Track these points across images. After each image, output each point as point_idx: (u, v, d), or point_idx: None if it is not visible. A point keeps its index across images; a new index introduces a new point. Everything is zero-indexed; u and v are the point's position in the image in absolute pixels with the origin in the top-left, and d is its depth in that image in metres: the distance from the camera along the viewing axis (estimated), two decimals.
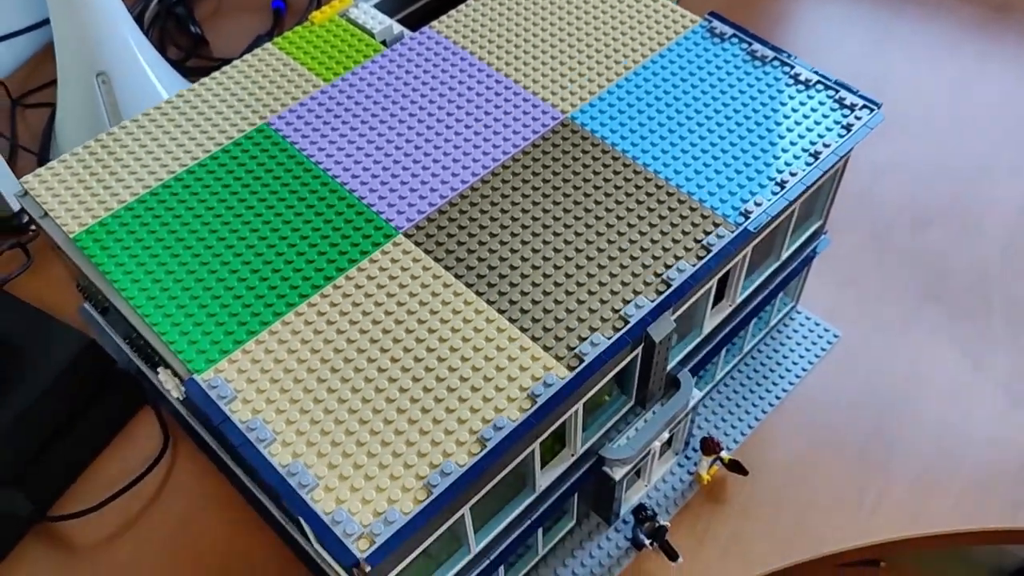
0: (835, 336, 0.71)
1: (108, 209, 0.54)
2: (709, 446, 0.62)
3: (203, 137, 0.57)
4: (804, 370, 0.70)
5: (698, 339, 0.59)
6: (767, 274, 0.62)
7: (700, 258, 0.50)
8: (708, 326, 0.59)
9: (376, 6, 0.67)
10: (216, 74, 0.61)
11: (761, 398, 0.68)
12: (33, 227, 0.78)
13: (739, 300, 0.61)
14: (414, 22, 0.70)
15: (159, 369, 0.52)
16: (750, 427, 0.67)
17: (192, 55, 0.92)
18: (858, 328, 0.72)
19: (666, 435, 0.59)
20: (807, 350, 0.71)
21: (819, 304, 0.73)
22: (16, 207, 0.78)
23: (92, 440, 0.67)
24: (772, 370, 0.70)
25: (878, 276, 0.75)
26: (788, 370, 0.70)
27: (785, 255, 0.62)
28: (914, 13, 0.95)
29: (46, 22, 0.93)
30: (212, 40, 0.95)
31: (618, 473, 0.57)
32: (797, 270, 0.65)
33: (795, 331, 0.72)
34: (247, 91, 0.60)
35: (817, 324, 0.72)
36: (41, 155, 0.82)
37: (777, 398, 0.68)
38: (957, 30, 0.93)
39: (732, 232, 0.51)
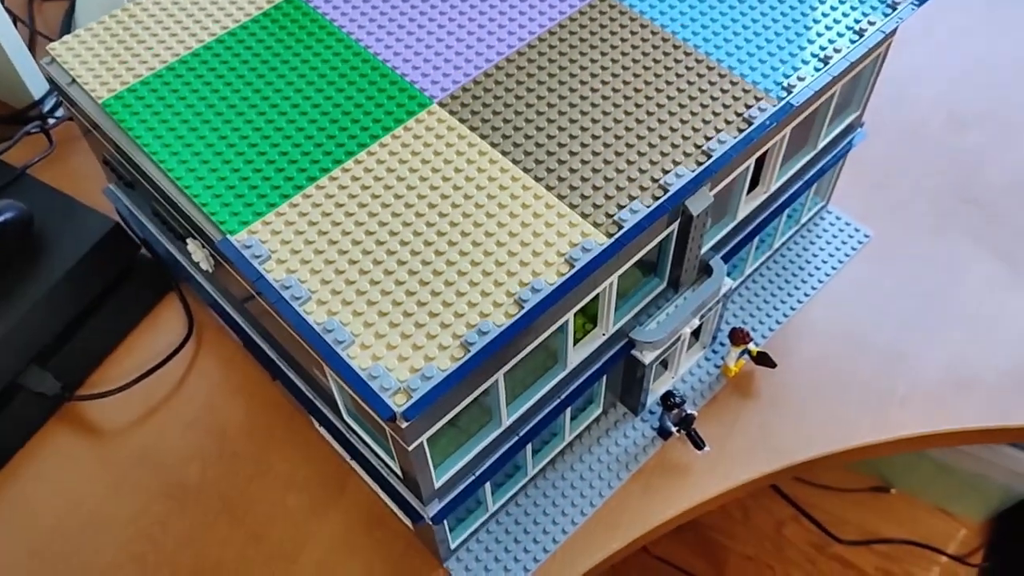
0: (866, 236, 0.70)
1: (137, 76, 0.53)
2: (738, 336, 0.62)
3: (233, 7, 0.56)
4: (834, 268, 0.69)
5: (732, 225, 0.58)
6: (803, 163, 0.61)
7: (741, 131, 0.49)
8: (742, 212, 0.58)
9: None
10: None
11: (790, 295, 0.67)
12: (55, 116, 0.77)
13: (774, 188, 0.60)
14: None
15: (188, 241, 0.52)
16: (778, 322, 0.66)
17: None
18: (890, 228, 0.71)
19: (696, 322, 0.58)
20: (837, 249, 0.70)
21: (851, 204, 0.72)
22: (37, 95, 0.77)
23: (118, 324, 0.67)
24: (802, 267, 0.69)
25: (912, 177, 0.74)
26: (818, 268, 0.69)
27: (822, 144, 0.61)
28: None
29: None
30: None
31: (647, 357, 0.56)
32: (832, 162, 0.64)
33: (825, 230, 0.71)
34: None
35: (848, 224, 0.71)
36: None
37: (806, 295, 0.67)
38: None
39: (774, 106, 0.50)
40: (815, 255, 0.69)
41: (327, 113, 0.50)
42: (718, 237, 0.58)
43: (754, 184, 0.59)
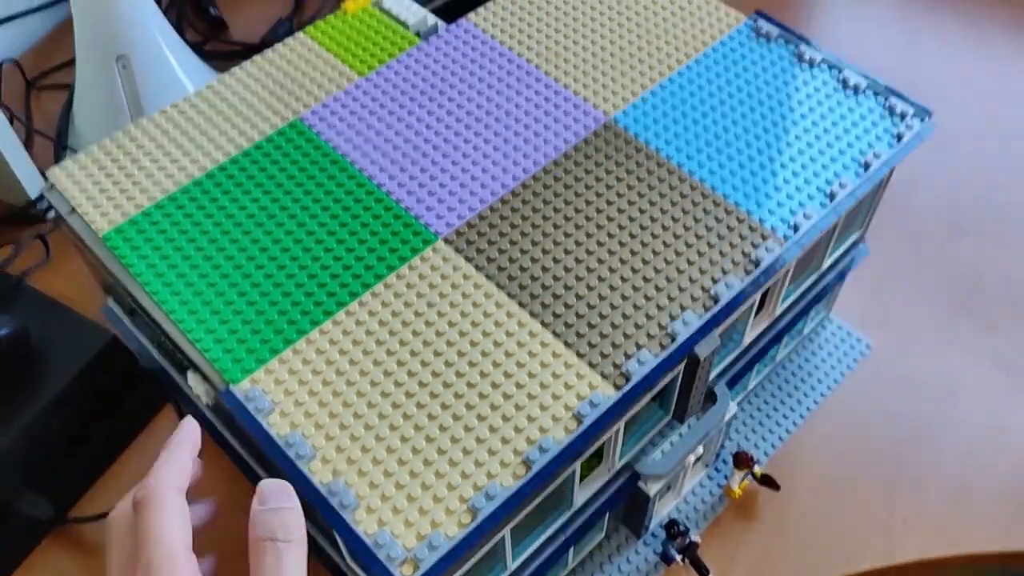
0: (867, 347, 0.70)
1: (138, 207, 0.52)
2: (742, 460, 0.61)
3: (235, 132, 0.56)
4: (836, 381, 0.68)
5: (737, 351, 0.58)
6: (807, 285, 0.60)
7: (748, 272, 0.49)
8: (748, 338, 0.58)
9: None
10: (247, 64, 0.59)
11: (792, 409, 0.67)
12: (50, 216, 0.77)
13: (779, 312, 0.59)
14: (447, 9, 0.68)
15: (188, 373, 0.51)
16: (781, 439, 0.66)
17: (211, 38, 0.90)
18: (890, 338, 0.71)
19: (700, 449, 0.57)
20: (839, 360, 0.69)
21: (851, 312, 0.72)
22: (33, 195, 0.76)
23: (113, 440, 0.66)
24: (804, 380, 0.68)
25: (911, 285, 0.74)
26: (820, 380, 0.68)
27: (826, 265, 0.61)
28: (946, 12, 0.93)
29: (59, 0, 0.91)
30: (231, 22, 0.93)
31: (653, 488, 0.56)
32: (835, 280, 0.64)
33: (827, 340, 0.71)
34: (279, 83, 0.58)
35: (849, 334, 0.71)
36: (57, 140, 0.80)
37: (808, 409, 0.67)
38: (990, 30, 0.91)
39: (781, 246, 0.50)
40: (817, 367, 0.69)
41: (331, 250, 0.50)
42: (723, 364, 0.57)
43: (759, 308, 0.58)
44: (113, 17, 0.73)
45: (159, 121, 0.56)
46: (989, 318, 0.72)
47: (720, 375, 0.58)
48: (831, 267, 0.62)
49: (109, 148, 0.55)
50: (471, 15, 0.62)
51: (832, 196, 0.52)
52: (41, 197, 0.77)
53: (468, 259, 0.49)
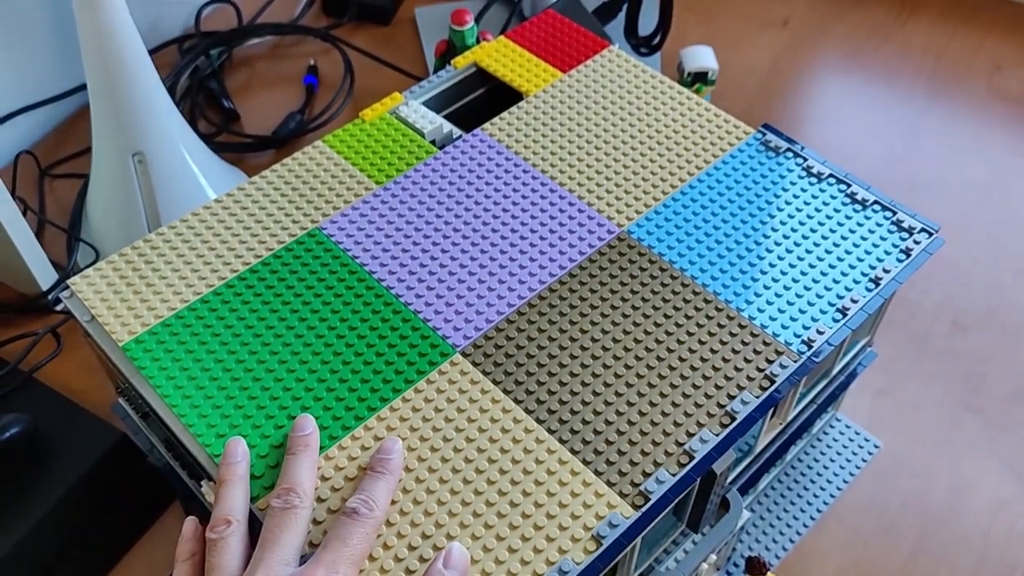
0: (875, 446, 0.70)
1: (158, 317, 0.53)
2: (754, 566, 0.61)
3: (254, 240, 0.56)
4: (845, 482, 0.69)
5: (750, 458, 0.58)
6: (817, 390, 0.61)
7: (764, 388, 0.49)
8: (760, 444, 0.58)
9: (425, 103, 0.67)
10: (267, 172, 0.61)
11: (803, 511, 0.67)
12: (61, 308, 0.77)
13: (791, 417, 0.60)
14: (463, 116, 0.69)
15: (203, 483, 0.51)
16: (792, 541, 0.66)
17: (224, 130, 0.92)
18: (898, 438, 0.71)
19: (714, 557, 0.57)
20: (848, 460, 0.70)
21: (858, 412, 0.72)
22: (44, 286, 0.77)
23: (121, 536, 0.65)
24: (813, 481, 0.68)
25: (917, 383, 0.74)
26: (829, 481, 0.68)
27: (835, 371, 0.61)
28: (944, 108, 0.95)
29: (81, 88, 0.93)
30: (244, 115, 0.95)
31: None
32: (844, 384, 0.64)
33: (835, 440, 0.71)
34: (298, 192, 0.59)
35: (857, 433, 0.71)
36: (70, 231, 0.81)
37: (818, 511, 0.67)
38: (988, 126, 0.93)
39: (795, 362, 0.50)
40: (826, 467, 0.69)
41: (349, 362, 0.50)
42: (736, 472, 0.58)
43: (771, 414, 0.59)
44: (130, 115, 0.74)
45: (180, 229, 0.57)
46: (997, 417, 0.72)
47: (733, 481, 0.58)
48: (840, 371, 0.63)
49: (130, 256, 0.56)
50: (487, 125, 0.63)
51: (844, 312, 0.53)
52: (52, 288, 0.77)
53: (486, 373, 0.50)
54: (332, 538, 0.42)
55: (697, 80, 0.92)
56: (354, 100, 0.96)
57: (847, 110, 0.95)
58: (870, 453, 0.70)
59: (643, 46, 0.94)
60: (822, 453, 0.70)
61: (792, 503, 0.67)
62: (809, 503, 0.67)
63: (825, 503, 0.67)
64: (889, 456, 0.70)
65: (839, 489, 0.68)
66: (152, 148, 0.76)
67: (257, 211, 0.58)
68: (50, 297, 0.77)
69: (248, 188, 0.60)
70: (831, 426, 0.72)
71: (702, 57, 0.93)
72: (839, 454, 0.70)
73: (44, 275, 0.77)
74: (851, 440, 0.71)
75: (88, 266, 0.79)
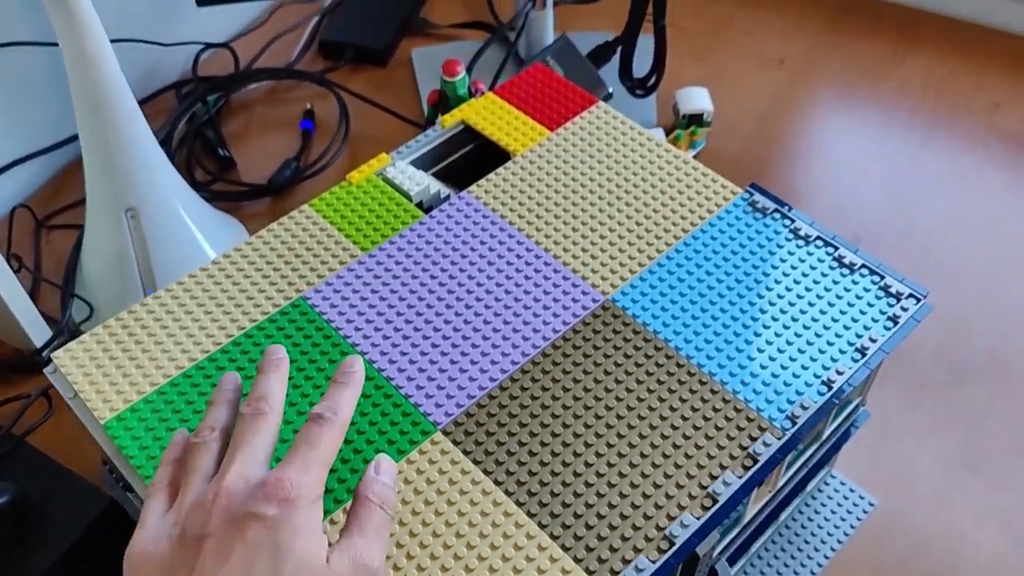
0: (871, 504, 0.70)
1: (140, 393, 0.53)
2: None
3: (238, 311, 0.56)
4: (840, 541, 0.68)
5: (737, 528, 0.57)
6: (807, 455, 0.60)
7: (746, 468, 0.49)
8: (748, 514, 0.58)
9: (413, 162, 0.67)
10: (253, 239, 0.61)
11: (796, 573, 0.66)
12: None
13: (780, 484, 0.59)
14: (452, 172, 0.69)
15: None
16: None
17: (219, 178, 0.92)
18: (894, 495, 0.70)
19: None
20: (842, 519, 0.69)
21: (854, 468, 0.71)
22: (38, 343, 0.77)
23: None
24: (807, 541, 0.68)
25: (913, 438, 0.74)
26: (823, 541, 0.68)
27: (826, 435, 0.61)
28: (942, 148, 0.94)
29: (74, 138, 0.94)
30: (240, 161, 0.95)
31: None
32: (836, 446, 0.64)
33: (830, 497, 0.70)
34: (283, 259, 0.59)
35: (852, 491, 0.70)
36: (65, 287, 0.81)
37: (813, 573, 0.66)
38: (987, 166, 0.92)
39: (779, 439, 0.50)
40: (820, 526, 0.68)
41: None
42: (724, 543, 0.57)
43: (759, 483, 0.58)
44: (123, 171, 0.75)
45: (164, 299, 0.57)
46: (996, 473, 0.71)
47: (721, 552, 0.57)
48: (832, 432, 0.62)
49: (113, 329, 0.56)
50: (473, 187, 0.63)
51: (829, 384, 0.52)
52: (46, 346, 0.77)
53: (466, 452, 0.49)
54: (301, 442, 0.44)
55: (692, 122, 0.92)
56: (350, 145, 0.96)
57: (844, 150, 0.95)
58: (865, 511, 0.69)
59: (638, 88, 0.94)
60: (816, 512, 0.69)
61: (786, 565, 0.67)
62: (803, 564, 0.67)
63: (820, 564, 0.67)
64: (885, 514, 0.69)
65: (833, 549, 0.67)
66: (145, 203, 0.77)
67: (242, 280, 0.58)
68: (43, 355, 0.77)
69: (234, 255, 0.60)
70: (825, 483, 0.71)
71: (697, 99, 0.93)
72: (834, 512, 0.69)
73: (37, 332, 0.77)
74: (846, 498, 0.70)
75: (83, 322, 0.79)
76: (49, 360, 0.72)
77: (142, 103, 0.98)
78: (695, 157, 0.92)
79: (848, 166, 0.93)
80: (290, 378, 0.53)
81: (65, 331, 0.78)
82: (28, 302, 0.76)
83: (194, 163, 0.94)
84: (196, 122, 0.97)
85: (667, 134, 0.92)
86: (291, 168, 0.93)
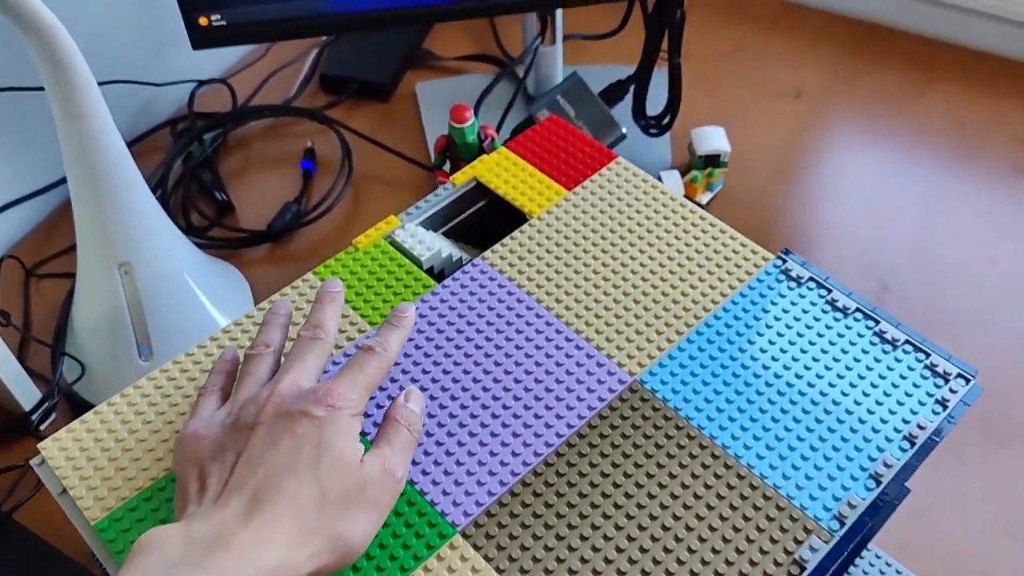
0: None
1: (136, 488, 0.49)
2: None
3: None
4: None
5: None
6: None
7: (793, 575, 0.45)
8: None
9: (423, 222, 0.63)
10: (254, 311, 0.57)
11: None
12: (43, 428, 0.74)
13: None
14: (464, 230, 0.66)
15: None
16: None
17: (217, 223, 0.88)
18: (933, 568, 0.66)
19: None
20: None
21: (889, 539, 0.68)
22: (27, 406, 0.73)
23: None
24: None
25: (953, 507, 0.70)
26: None
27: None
28: (966, 186, 0.91)
29: (62, 181, 0.90)
30: (238, 203, 0.91)
31: None
32: (877, 524, 0.60)
33: (864, 572, 0.66)
34: (290, 336, 0.55)
35: (888, 565, 0.67)
36: (55, 346, 0.78)
37: None
38: (1015, 203, 0.89)
39: (827, 543, 0.46)
40: None
41: None
42: None
43: None
44: (116, 225, 0.71)
45: (159, 380, 0.54)
46: None
47: None
48: None
49: (106, 416, 0.52)
50: (488, 253, 0.59)
51: (878, 479, 0.48)
52: (36, 408, 0.74)
53: (488, 559, 0.46)
54: (351, 364, 0.48)
55: (709, 163, 0.89)
56: (353, 186, 0.92)
57: (867, 190, 0.91)
58: None
59: (653, 127, 0.90)
60: None
61: None
62: None
63: None
64: None
65: None
66: (139, 258, 0.73)
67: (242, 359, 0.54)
68: (33, 417, 0.73)
69: (234, 330, 0.56)
70: (861, 556, 0.67)
71: (713, 139, 0.89)
72: None
73: (26, 395, 0.73)
74: (881, 573, 0.66)
75: (74, 382, 0.76)
76: (46, 415, 0.68)
77: (135, 141, 0.95)
78: (713, 200, 0.88)
79: (870, 208, 0.89)
80: None
81: (56, 393, 0.74)
82: (15, 364, 0.72)
83: (190, 207, 0.90)
84: (192, 162, 0.93)
85: (682, 175, 0.88)
86: (292, 212, 0.89)
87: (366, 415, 0.50)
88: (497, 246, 0.60)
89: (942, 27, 1.03)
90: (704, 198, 0.88)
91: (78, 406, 0.76)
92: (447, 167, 0.82)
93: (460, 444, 0.50)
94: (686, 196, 0.86)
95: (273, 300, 0.57)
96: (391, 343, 0.49)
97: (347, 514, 0.43)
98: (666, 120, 0.90)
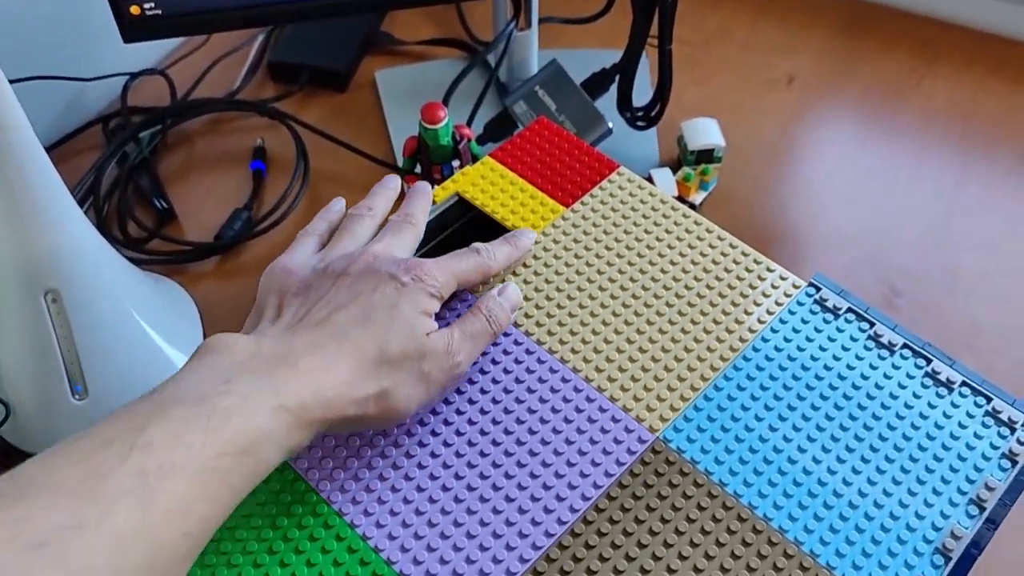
0: None
1: None
2: None
3: None
4: None
5: None
6: None
7: None
8: None
9: None
10: None
11: None
12: None
13: None
14: (447, 247, 0.57)
15: None
16: None
17: (157, 235, 0.79)
18: None
19: None
20: None
21: None
22: None
23: None
24: None
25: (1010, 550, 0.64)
26: None
27: None
28: (977, 181, 0.85)
29: None
30: (181, 211, 0.81)
31: None
32: None
33: None
34: None
35: None
36: None
37: None
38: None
39: None
40: None
41: None
42: None
43: None
44: (39, 249, 0.61)
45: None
46: None
47: None
48: None
49: None
50: (480, 287, 0.51)
51: (946, 554, 0.42)
52: None
53: None
54: (452, 254, 0.50)
55: (701, 159, 0.81)
56: (309, 189, 0.83)
57: (870, 188, 0.84)
58: None
59: (640, 120, 0.83)
60: None
61: None
62: None
63: None
64: None
65: None
66: (67, 284, 0.63)
67: None
68: None
69: None
70: None
71: (706, 132, 0.82)
72: None
73: None
74: None
75: (0, 425, 0.66)
76: None
77: (61, 142, 0.85)
78: (707, 200, 0.81)
79: (876, 209, 0.83)
80: (287, 564, 0.41)
81: None
82: None
83: (126, 216, 0.80)
84: (128, 164, 0.83)
85: (673, 172, 0.81)
86: (242, 220, 0.79)
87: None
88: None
89: (940, 5, 0.96)
90: (698, 198, 0.80)
91: (4, 451, 0.66)
92: (418, 169, 0.74)
93: (462, 526, 0.42)
94: (679, 196, 0.79)
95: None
96: (498, 254, 0.50)
97: (399, 375, 0.43)
98: (655, 111, 0.82)
